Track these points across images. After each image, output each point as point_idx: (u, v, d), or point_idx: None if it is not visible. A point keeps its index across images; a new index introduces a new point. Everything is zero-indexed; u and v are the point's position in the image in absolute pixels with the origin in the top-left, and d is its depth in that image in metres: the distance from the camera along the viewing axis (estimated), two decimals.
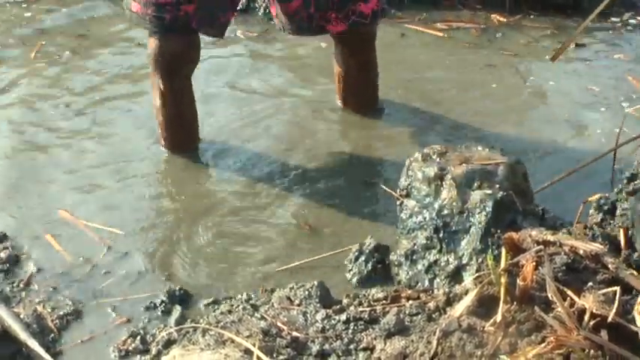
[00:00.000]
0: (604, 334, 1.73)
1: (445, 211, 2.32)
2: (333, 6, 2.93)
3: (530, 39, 4.02)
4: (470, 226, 2.27)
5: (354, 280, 2.46)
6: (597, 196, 2.35)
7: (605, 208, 2.23)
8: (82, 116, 3.47)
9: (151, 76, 3.05)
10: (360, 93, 3.31)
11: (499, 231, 2.20)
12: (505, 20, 4.18)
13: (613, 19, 4.16)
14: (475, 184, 2.30)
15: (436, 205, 2.34)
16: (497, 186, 2.27)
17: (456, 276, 2.24)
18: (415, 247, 2.36)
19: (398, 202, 2.46)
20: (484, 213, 2.24)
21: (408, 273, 2.37)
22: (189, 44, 2.94)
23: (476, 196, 2.28)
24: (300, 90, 3.60)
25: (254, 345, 1.91)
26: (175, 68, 2.97)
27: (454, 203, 2.30)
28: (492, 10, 4.29)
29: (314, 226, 2.74)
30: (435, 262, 2.31)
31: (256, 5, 4.32)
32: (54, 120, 3.43)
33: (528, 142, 3.15)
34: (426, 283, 2.31)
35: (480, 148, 2.40)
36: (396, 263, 2.41)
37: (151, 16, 2.84)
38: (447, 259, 2.29)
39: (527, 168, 2.45)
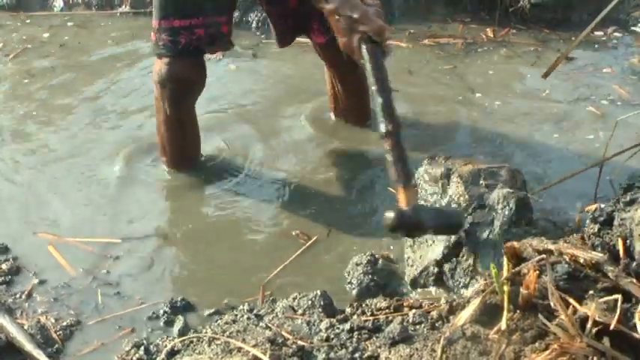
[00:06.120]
0: (606, 341, 1.75)
1: (453, 206, 2.37)
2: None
3: (512, 53, 4.08)
4: (492, 220, 2.30)
5: (354, 292, 2.49)
6: (593, 206, 2.39)
7: (601, 219, 2.27)
8: (77, 128, 3.52)
9: (156, 99, 3.03)
10: (352, 109, 3.36)
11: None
12: (493, 36, 4.25)
13: (597, 33, 4.24)
14: (481, 182, 2.35)
15: (444, 202, 2.40)
16: (517, 185, 2.30)
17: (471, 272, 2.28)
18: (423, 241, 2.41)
19: None
20: (507, 209, 2.28)
21: (417, 269, 2.41)
22: (198, 66, 2.96)
23: (498, 192, 2.33)
24: (296, 103, 3.64)
25: (264, 353, 1.93)
26: (185, 91, 2.98)
27: (461, 198, 2.35)
28: (481, 23, 4.35)
29: (314, 237, 2.75)
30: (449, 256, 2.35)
31: (249, 19, 4.35)
32: (47, 130, 3.49)
33: (520, 151, 3.20)
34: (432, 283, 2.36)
35: (481, 157, 2.44)
36: (407, 262, 2.45)
37: (165, 41, 2.86)
38: (464, 256, 2.32)
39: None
